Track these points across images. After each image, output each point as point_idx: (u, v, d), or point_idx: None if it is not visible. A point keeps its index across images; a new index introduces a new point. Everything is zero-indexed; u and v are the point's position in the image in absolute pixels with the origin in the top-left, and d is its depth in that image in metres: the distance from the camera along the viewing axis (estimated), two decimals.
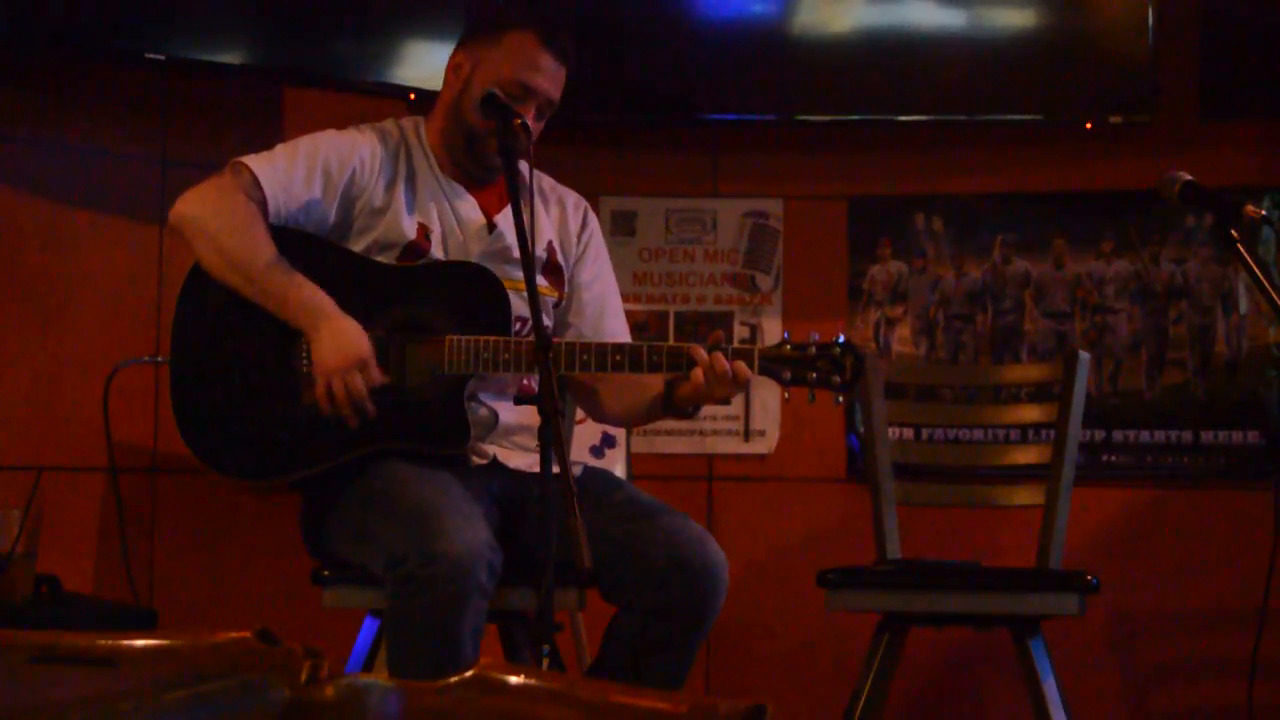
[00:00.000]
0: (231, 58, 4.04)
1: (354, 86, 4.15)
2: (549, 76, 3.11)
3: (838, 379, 2.95)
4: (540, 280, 3.17)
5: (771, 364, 2.95)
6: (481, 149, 3.10)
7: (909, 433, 4.42)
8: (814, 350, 2.95)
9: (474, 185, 3.19)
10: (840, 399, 2.98)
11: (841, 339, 2.97)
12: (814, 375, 2.95)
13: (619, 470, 4.12)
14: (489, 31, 3.15)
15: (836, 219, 4.58)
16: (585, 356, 2.98)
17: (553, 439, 2.58)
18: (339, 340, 2.94)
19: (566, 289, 3.25)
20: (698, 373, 2.92)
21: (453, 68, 3.17)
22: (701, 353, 2.93)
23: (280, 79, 4.20)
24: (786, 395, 2.99)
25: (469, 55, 3.15)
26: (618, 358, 2.98)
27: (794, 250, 4.60)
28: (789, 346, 2.96)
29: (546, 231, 3.22)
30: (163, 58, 3.91)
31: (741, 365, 2.92)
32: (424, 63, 4.19)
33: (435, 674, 2.83)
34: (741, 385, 2.94)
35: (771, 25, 4.46)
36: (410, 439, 3.02)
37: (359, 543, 2.98)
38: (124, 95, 4.08)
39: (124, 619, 3.53)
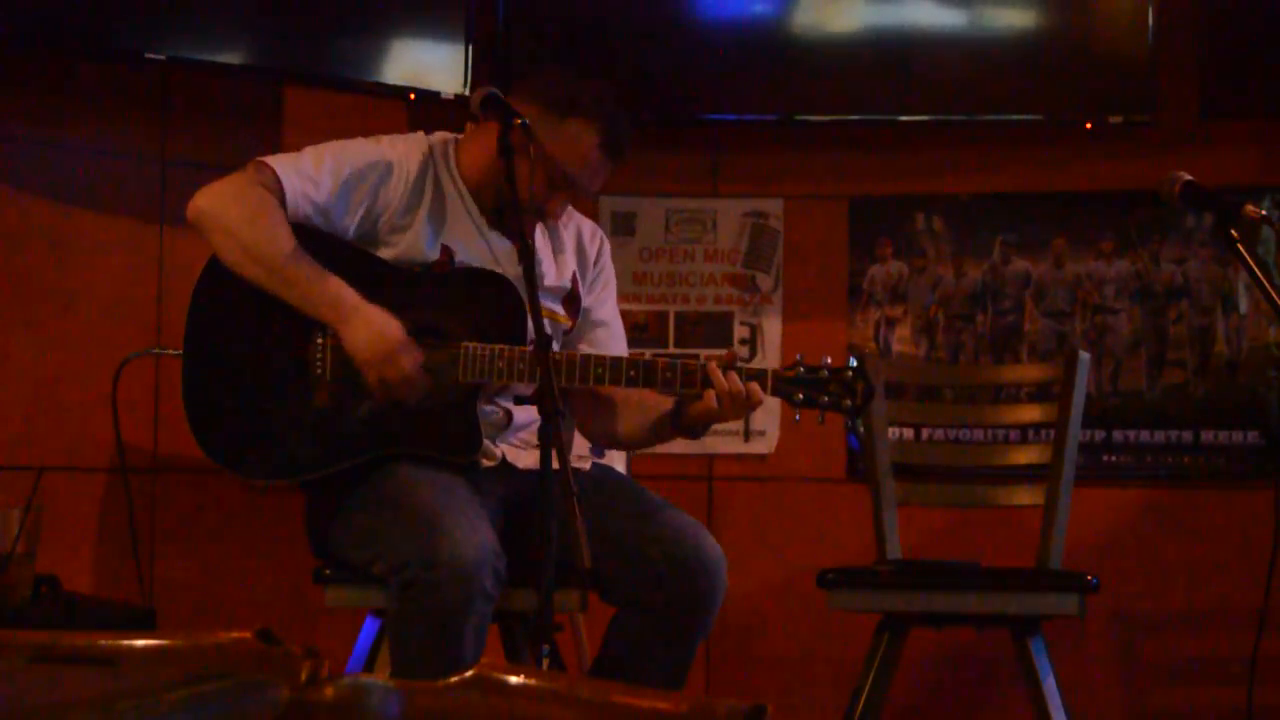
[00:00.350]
0: (231, 58, 4.04)
1: (354, 86, 4.15)
2: (597, 176, 3.11)
3: (849, 403, 2.99)
4: (558, 308, 3.18)
5: (785, 385, 2.99)
6: (516, 209, 2.89)
7: (909, 433, 4.42)
8: (827, 374, 2.99)
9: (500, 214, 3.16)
10: (850, 423, 3.02)
11: (854, 362, 3.02)
12: (826, 399, 2.99)
13: (619, 470, 4.12)
14: (554, 107, 3.06)
15: (836, 219, 4.58)
16: (600, 370, 2.98)
17: (553, 439, 2.59)
18: (371, 330, 2.94)
19: (580, 317, 3.26)
20: (711, 396, 2.93)
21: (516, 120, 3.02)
22: (718, 374, 2.93)
23: (280, 79, 4.20)
24: (797, 416, 3.01)
25: (534, 119, 2.99)
26: (633, 373, 2.98)
27: (794, 250, 4.60)
28: (803, 369, 3.00)
29: (571, 263, 3.22)
30: (163, 58, 3.91)
31: (755, 387, 2.95)
32: (424, 63, 4.20)
33: (437, 678, 2.83)
34: (754, 407, 2.97)
35: (771, 25, 4.46)
36: (421, 444, 3.02)
37: (364, 545, 2.98)
38: (124, 95, 4.08)
39: (124, 619, 3.53)
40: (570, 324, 3.23)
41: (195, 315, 3.05)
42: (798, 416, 3.01)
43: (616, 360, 2.99)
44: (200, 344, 3.04)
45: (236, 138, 4.07)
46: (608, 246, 3.33)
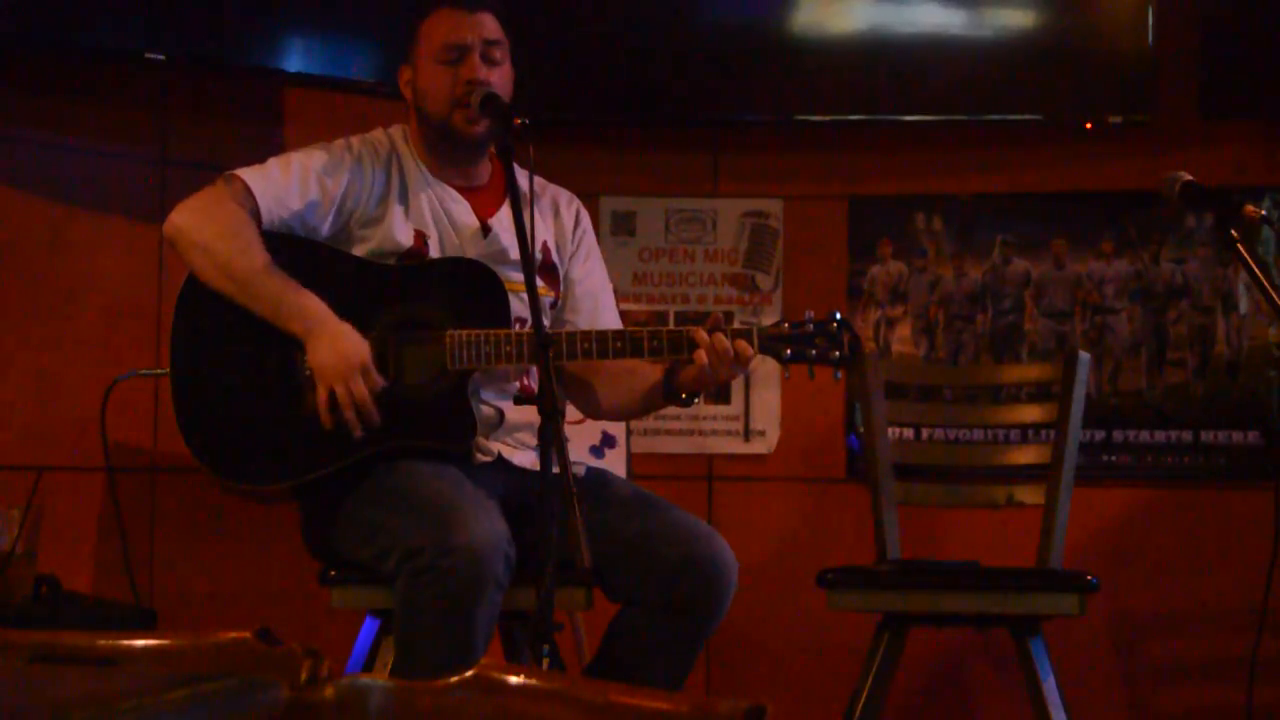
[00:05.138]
0: (231, 58, 4.03)
1: (354, 86, 4.15)
2: (468, 24, 3.13)
3: (836, 354, 3.01)
4: (537, 280, 3.17)
5: (771, 342, 3.01)
6: (457, 127, 3.10)
7: (909, 433, 4.42)
8: (811, 327, 3.01)
9: (466, 188, 3.19)
10: (839, 374, 3.04)
11: (838, 315, 3.03)
12: (813, 352, 3.01)
13: (619, 470, 4.12)
14: (410, 36, 3.20)
15: (836, 219, 4.58)
16: (586, 345, 3.00)
17: (553, 438, 2.59)
18: (336, 346, 2.95)
19: (561, 287, 3.26)
20: (700, 354, 2.94)
21: (404, 85, 3.21)
22: (703, 334, 2.96)
23: (280, 79, 4.20)
24: (786, 374, 3.03)
25: (409, 64, 3.20)
26: (618, 344, 3.00)
27: (794, 250, 4.60)
28: (787, 325, 3.02)
29: (541, 232, 3.22)
30: (163, 58, 3.91)
31: (743, 344, 2.97)
32: None
33: (447, 665, 2.83)
34: (744, 364, 2.98)
35: (771, 25, 4.46)
36: (416, 436, 3.03)
37: (370, 539, 2.98)
38: (124, 95, 4.08)
39: (124, 619, 3.53)
40: (553, 294, 3.23)
41: (179, 331, 3.07)
42: (787, 374, 3.03)
43: (602, 334, 3.02)
44: (186, 359, 3.06)
45: (236, 138, 4.07)
46: (586, 215, 3.34)
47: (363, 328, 3.01)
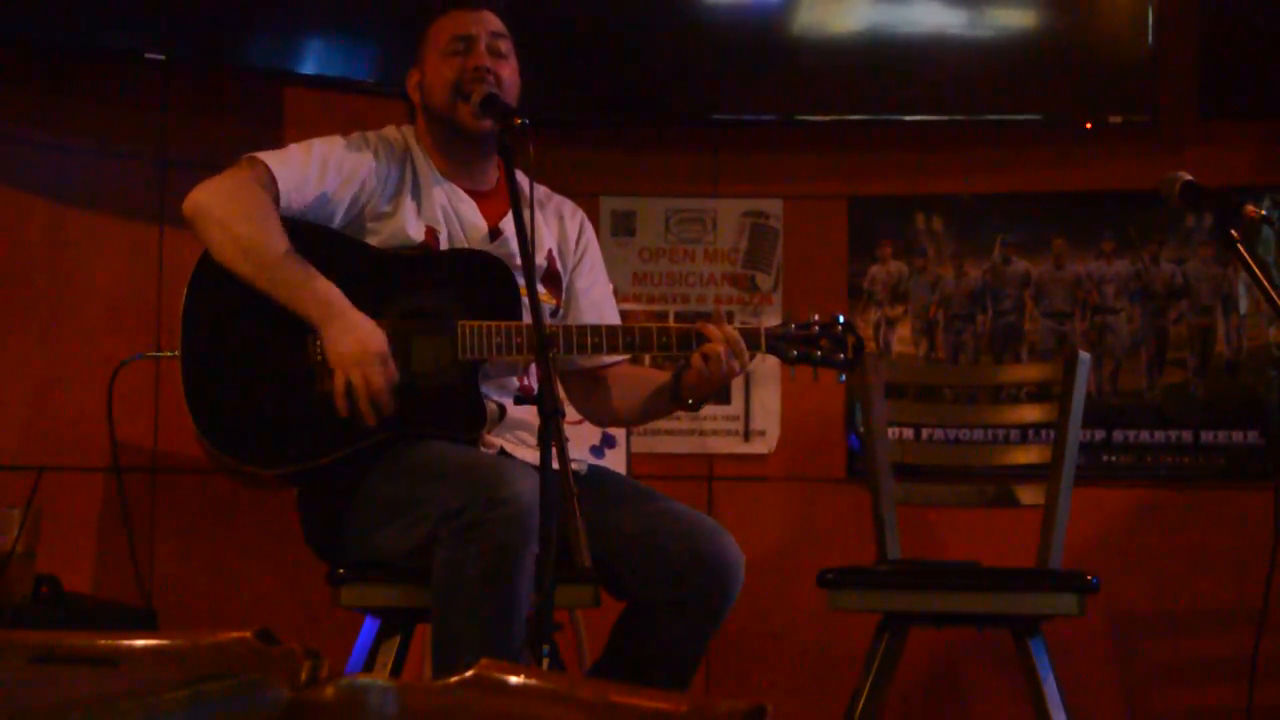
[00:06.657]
0: (231, 58, 4.04)
1: (354, 86, 4.15)
2: (472, 18, 3.17)
3: (841, 356, 3.09)
4: (539, 287, 3.18)
5: (778, 343, 3.08)
6: (461, 119, 3.11)
7: (909, 433, 4.43)
8: (816, 329, 3.09)
9: (474, 191, 3.20)
10: (843, 376, 3.09)
11: (841, 318, 3.11)
12: (818, 353, 3.08)
13: (619, 470, 4.12)
14: (419, 40, 3.23)
15: (836, 219, 4.58)
16: (596, 339, 3.01)
17: (552, 438, 2.59)
18: (354, 335, 2.95)
19: (564, 296, 3.27)
20: (716, 348, 2.98)
21: (412, 88, 3.23)
22: (713, 328, 3.00)
23: (280, 79, 4.20)
24: (792, 374, 3.09)
25: (417, 67, 3.23)
26: (628, 339, 3.02)
27: (794, 250, 4.60)
28: (793, 325, 3.10)
29: (547, 240, 3.24)
30: (163, 58, 3.92)
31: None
32: None
33: (492, 627, 2.84)
34: (744, 354, 3.01)
35: (772, 25, 4.46)
36: (426, 425, 3.03)
37: (393, 517, 2.97)
38: (124, 95, 4.09)
39: (124, 619, 3.53)
40: (555, 303, 3.25)
41: (190, 312, 3.06)
42: (793, 374, 3.11)
43: (612, 328, 3.06)
44: (197, 340, 3.05)
45: (236, 138, 4.07)
46: (589, 226, 3.35)
47: (374, 316, 3.01)
